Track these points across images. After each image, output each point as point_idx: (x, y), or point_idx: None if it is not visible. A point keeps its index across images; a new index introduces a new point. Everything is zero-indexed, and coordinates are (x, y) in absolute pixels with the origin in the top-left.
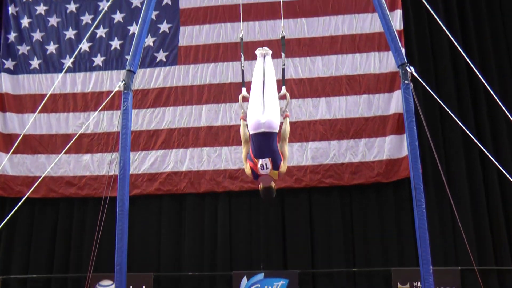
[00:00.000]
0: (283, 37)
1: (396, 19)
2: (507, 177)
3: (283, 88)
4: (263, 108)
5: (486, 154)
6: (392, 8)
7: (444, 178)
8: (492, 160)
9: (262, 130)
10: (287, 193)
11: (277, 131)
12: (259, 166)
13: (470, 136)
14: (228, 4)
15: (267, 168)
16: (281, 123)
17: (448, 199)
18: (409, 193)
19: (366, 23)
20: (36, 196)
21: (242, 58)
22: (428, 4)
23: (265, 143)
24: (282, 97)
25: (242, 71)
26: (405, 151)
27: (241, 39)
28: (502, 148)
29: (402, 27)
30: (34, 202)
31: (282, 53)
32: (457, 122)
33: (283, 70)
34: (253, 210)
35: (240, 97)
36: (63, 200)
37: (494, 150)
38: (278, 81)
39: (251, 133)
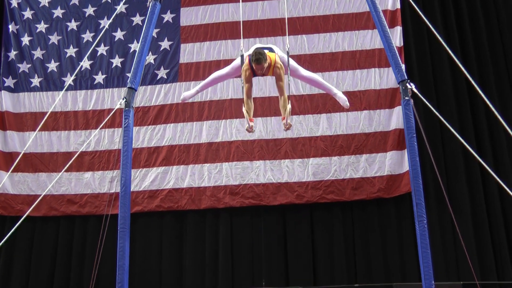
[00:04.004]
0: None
1: (396, 36)
2: (507, 191)
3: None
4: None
5: (486, 167)
6: (392, 25)
7: (445, 193)
8: (492, 175)
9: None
10: (288, 209)
11: None
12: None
13: (470, 151)
14: (229, 21)
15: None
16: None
17: (449, 213)
18: (411, 208)
19: (367, 39)
20: (37, 214)
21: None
22: (428, 20)
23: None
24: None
25: (243, 87)
26: (406, 167)
27: (242, 56)
28: (502, 162)
29: (402, 44)
30: (35, 220)
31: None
32: (458, 137)
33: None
34: (254, 226)
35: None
36: (63, 218)
37: (495, 164)
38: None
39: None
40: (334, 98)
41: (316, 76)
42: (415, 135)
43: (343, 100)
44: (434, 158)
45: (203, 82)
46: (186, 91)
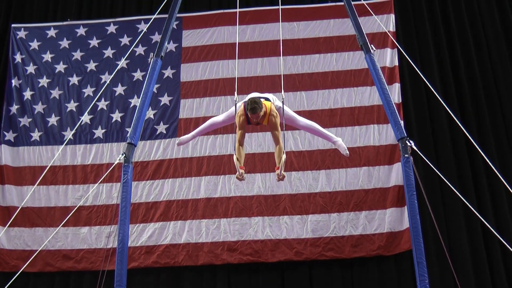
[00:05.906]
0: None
1: (395, 93)
2: (509, 248)
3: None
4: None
5: (487, 225)
6: (390, 82)
7: (446, 251)
8: (494, 232)
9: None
10: (287, 266)
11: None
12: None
13: (471, 208)
14: (229, 77)
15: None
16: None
17: (451, 271)
18: (411, 266)
19: (365, 96)
20: (32, 270)
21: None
22: (425, 77)
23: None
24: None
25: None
26: (406, 224)
27: (236, 104)
28: (503, 219)
29: (400, 100)
30: (29, 275)
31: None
32: (458, 195)
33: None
34: (252, 283)
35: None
36: (58, 273)
37: (495, 221)
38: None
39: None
40: (333, 155)
41: (314, 124)
42: (415, 193)
43: (343, 148)
44: (434, 215)
45: (199, 127)
46: (183, 136)
